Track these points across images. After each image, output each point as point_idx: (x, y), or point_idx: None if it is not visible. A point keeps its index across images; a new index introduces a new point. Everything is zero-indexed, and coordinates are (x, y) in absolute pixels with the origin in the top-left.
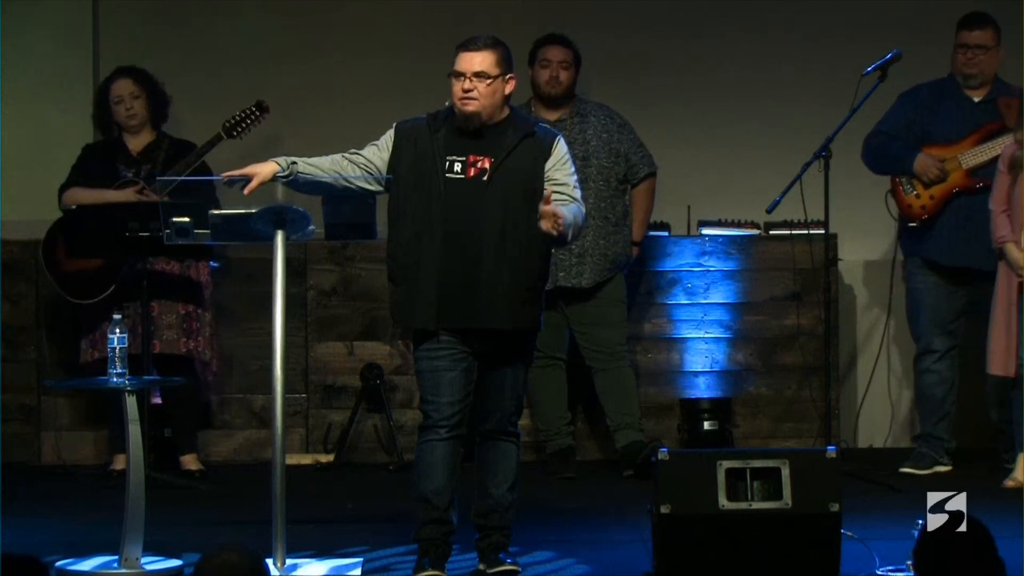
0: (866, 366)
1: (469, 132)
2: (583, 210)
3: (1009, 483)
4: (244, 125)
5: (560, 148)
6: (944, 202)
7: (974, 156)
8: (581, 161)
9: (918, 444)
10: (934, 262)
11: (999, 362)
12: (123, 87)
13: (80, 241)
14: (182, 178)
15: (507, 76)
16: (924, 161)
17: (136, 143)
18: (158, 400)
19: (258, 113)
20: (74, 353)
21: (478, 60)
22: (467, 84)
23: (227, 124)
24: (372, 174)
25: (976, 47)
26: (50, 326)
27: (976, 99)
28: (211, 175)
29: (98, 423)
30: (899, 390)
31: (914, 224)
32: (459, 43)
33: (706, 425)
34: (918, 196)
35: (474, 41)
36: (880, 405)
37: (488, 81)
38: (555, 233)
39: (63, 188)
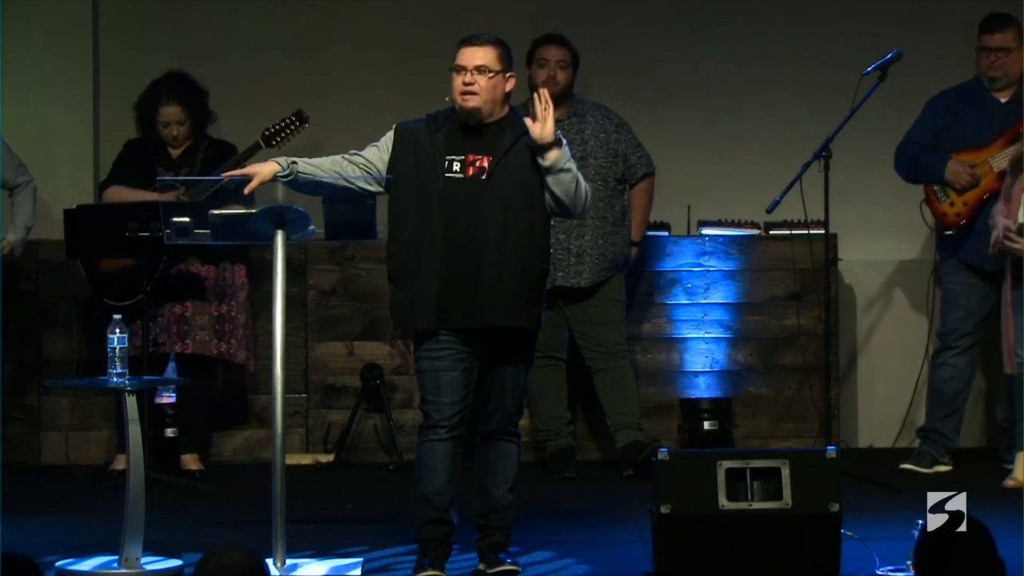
0: (866, 366)
1: (468, 132)
2: (590, 189)
3: (1009, 483)
4: (284, 135)
5: (565, 148)
6: (978, 207)
7: (1004, 158)
8: (579, 161)
9: (921, 439)
10: (972, 265)
11: (1008, 361)
12: (172, 114)
13: (80, 241)
14: (182, 178)
15: (508, 74)
16: (955, 169)
17: (177, 148)
18: (172, 399)
19: (297, 123)
20: (95, 352)
21: (480, 55)
22: (468, 78)
23: (266, 133)
24: (372, 174)
25: (998, 49)
26: (51, 326)
27: (1003, 100)
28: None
29: (98, 423)
30: (900, 390)
31: (951, 232)
32: (461, 40)
33: (706, 425)
34: (952, 204)
35: (476, 37)
36: (880, 405)
37: (489, 75)
38: (550, 138)
39: (104, 184)
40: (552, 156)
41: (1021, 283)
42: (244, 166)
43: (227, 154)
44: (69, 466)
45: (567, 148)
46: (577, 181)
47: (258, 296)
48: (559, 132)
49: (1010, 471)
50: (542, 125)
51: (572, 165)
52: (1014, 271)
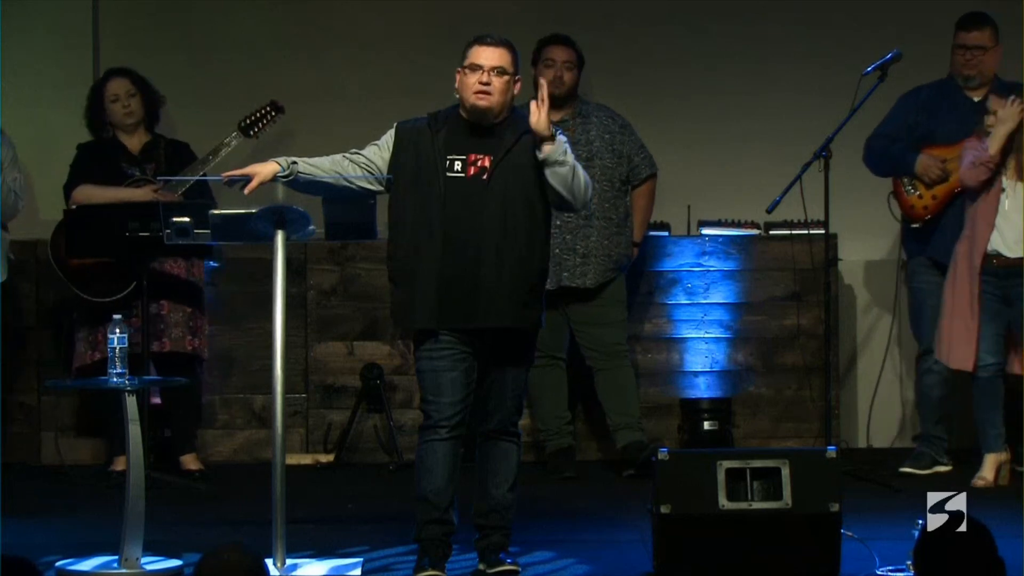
0: (866, 366)
1: (470, 131)
2: (590, 181)
3: (978, 482)
4: (260, 125)
5: (559, 141)
6: (947, 202)
7: None
8: (585, 162)
9: (918, 444)
10: (938, 262)
11: (959, 355)
12: (119, 86)
13: (80, 241)
14: (182, 178)
15: (517, 77)
16: (925, 162)
17: (133, 143)
18: (157, 400)
19: (273, 113)
20: (70, 355)
21: (497, 55)
22: (485, 77)
23: (243, 123)
24: (373, 174)
25: (974, 47)
26: (50, 326)
27: (976, 99)
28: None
29: (98, 424)
30: (899, 390)
31: (917, 225)
32: (473, 37)
33: (706, 425)
34: (920, 197)
35: (490, 36)
36: (880, 405)
37: (505, 78)
38: (545, 131)
39: (69, 187)
40: (546, 149)
41: (985, 291)
42: (220, 160)
43: (185, 152)
44: (69, 466)
45: (565, 143)
46: (574, 173)
47: (256, 296)
48: (558, 129)
49: (1016, 471)
50: (537, 115)
51: (569, 158)
52: (969, 275)
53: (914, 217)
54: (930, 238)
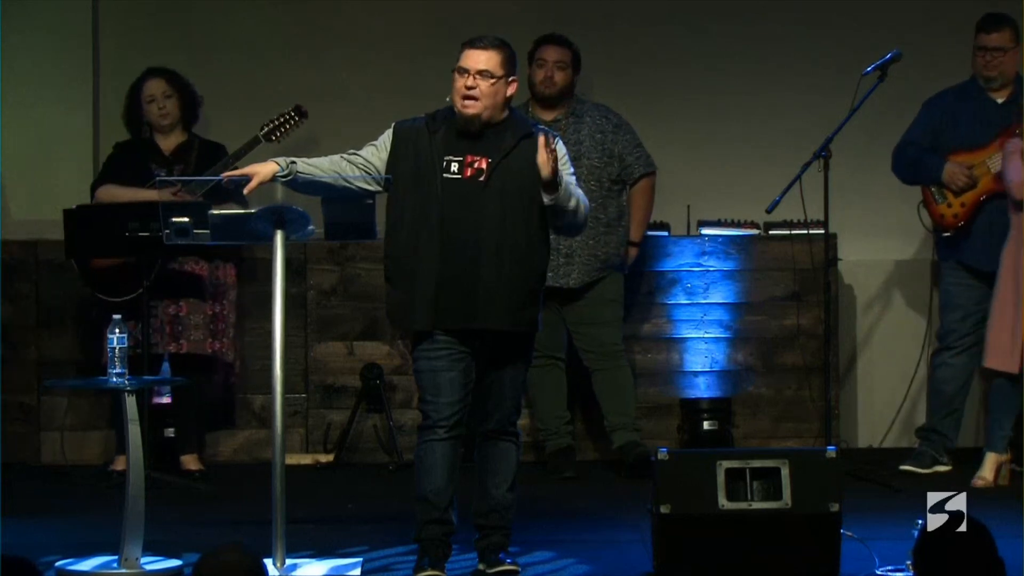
0: (866, 366)
1: (468, 132)
2: (586, 201)
3: (978, 482)
4: (282, 130)
5: (558, 149)
6: (976, 208)
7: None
8: (573, 161)
9: (921, 439)
10: (970, 266)
11: (1002, 357)
12: (156, 86)
13: (80, 241)
14: (182, 178)
15: (510, 78)
16: (952, 170)
17: (168, 143)
18: (168, 400)
19: (296, 118)
20: (89, 352)
21: (483, 58)
22: (470, 81)
23: (265, 128)
24: (371, 174)
25: (995, 49)
26: (51, 326)
27: (999, 100)
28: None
29: (98, 423)
30: (899, 390)
31: (948, 234)
32: (465, 41)
33: (706, 425)
34: (949, 205)
35: (481, 39)
36: (880, 405)
37: (492, 81)
38: (551, 174)
39: (95, 185)
40: (551, 196)
41: None
42: (243, 163)
43: (218, 154)
44: (69, 466)
45: (569, 186)
46: (576, 215)
47: (256, 296)
48: (556, 135)
49: (1016, 471)
50: (546, 165)
51: (571, 203)
52: (1015, 278)
53: (945, 226)
54: (962, 242)
